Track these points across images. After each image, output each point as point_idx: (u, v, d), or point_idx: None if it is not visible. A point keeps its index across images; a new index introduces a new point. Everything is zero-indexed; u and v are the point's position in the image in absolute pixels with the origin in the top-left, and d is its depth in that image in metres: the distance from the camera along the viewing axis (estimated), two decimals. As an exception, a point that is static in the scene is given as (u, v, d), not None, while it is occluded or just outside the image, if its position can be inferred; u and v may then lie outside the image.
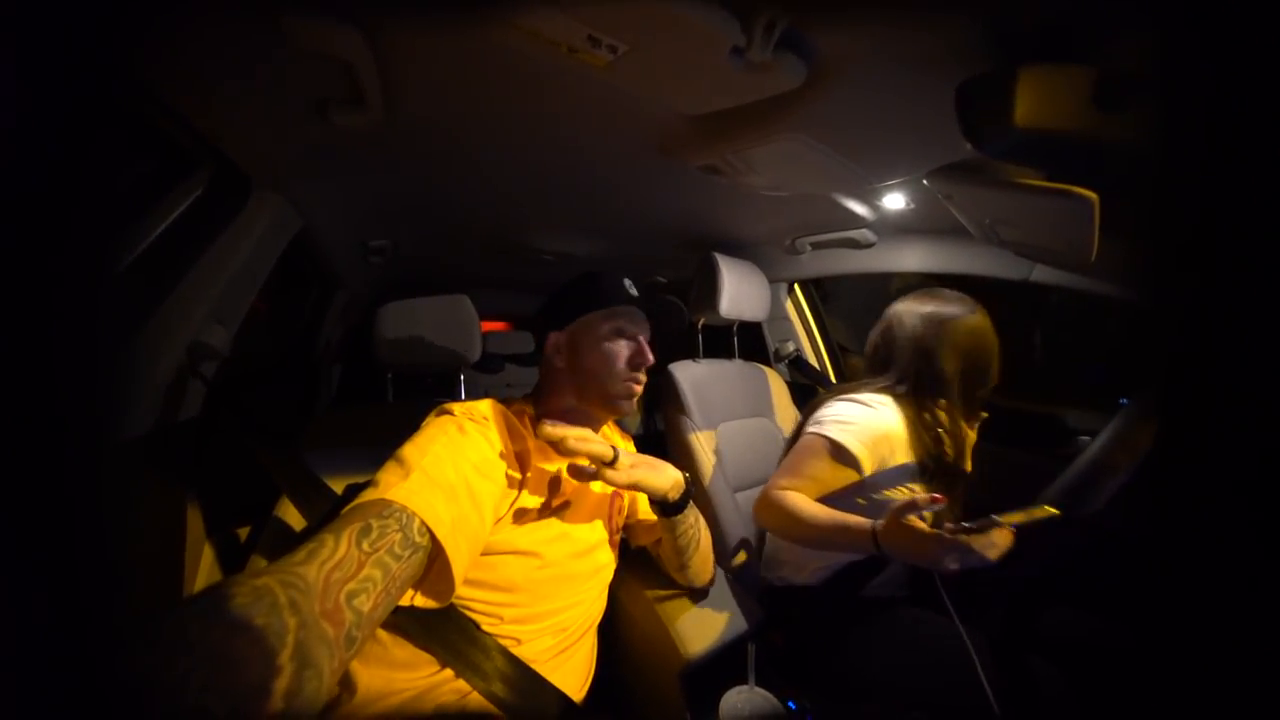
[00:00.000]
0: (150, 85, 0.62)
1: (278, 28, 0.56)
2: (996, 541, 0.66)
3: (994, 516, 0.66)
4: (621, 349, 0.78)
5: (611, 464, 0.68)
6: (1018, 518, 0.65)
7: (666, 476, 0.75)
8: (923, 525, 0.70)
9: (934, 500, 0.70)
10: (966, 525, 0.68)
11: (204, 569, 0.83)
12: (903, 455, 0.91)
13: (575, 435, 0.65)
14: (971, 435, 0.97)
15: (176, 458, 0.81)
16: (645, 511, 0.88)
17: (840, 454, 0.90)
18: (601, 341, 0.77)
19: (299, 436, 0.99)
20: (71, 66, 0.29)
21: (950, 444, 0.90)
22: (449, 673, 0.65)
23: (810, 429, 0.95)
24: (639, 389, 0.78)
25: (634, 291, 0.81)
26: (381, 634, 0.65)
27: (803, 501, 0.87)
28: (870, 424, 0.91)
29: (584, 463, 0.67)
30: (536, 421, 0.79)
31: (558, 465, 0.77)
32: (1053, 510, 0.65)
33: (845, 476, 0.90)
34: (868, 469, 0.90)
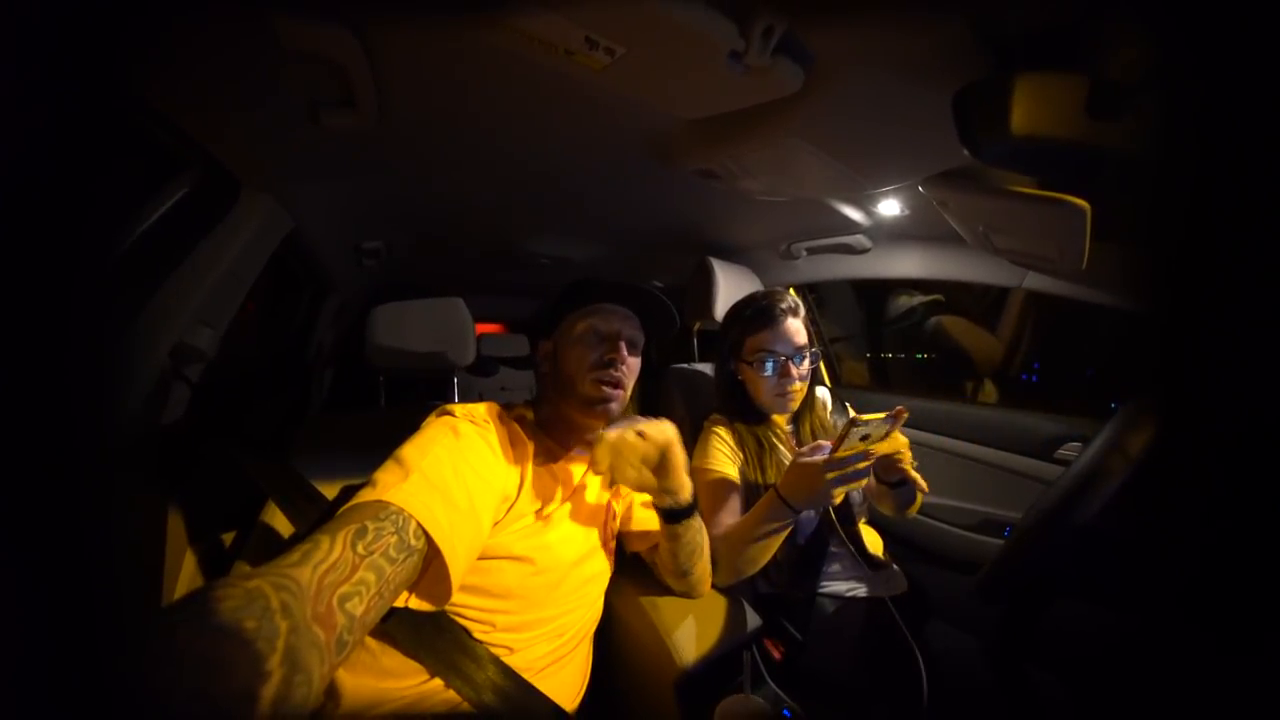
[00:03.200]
0: (136, 85, 0.61)
1: (268, 28, 0.55)
2: (863, 449, 0.72)
3: (854, 417, 0.72)
4: (590, 347, 0.75)
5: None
6: (868, 416, 0.71)
7: (686, 473, 0.75)
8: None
9: (816, 447, 0.75)
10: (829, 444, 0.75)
11: (185, 576, 0.81)
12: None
13: (598, 461, 0.67)
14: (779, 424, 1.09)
15: (158, 461, 0.80)
16: (640, 518, 0.87)
17: (711, 472, 0.98)
18: (574, 342, 0.76)
19: (289, 441, 0.97)
20: (61, 67, 0.29)
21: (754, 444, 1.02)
22: (439, 682, 0.63)
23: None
24: (612, 390, 0.74)
25: (613, 284, 0.78)
26: (370, 641, 0.64)
27: (724, 531, 0.90)
28: (716, 441, 1.02)
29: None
30: (534, 428, 0.79)
31: (555, 471, 0.77)
32: (901, 409, 0.72)
33: (730, 485, 0.97)
34: (737, 463, 1.00)
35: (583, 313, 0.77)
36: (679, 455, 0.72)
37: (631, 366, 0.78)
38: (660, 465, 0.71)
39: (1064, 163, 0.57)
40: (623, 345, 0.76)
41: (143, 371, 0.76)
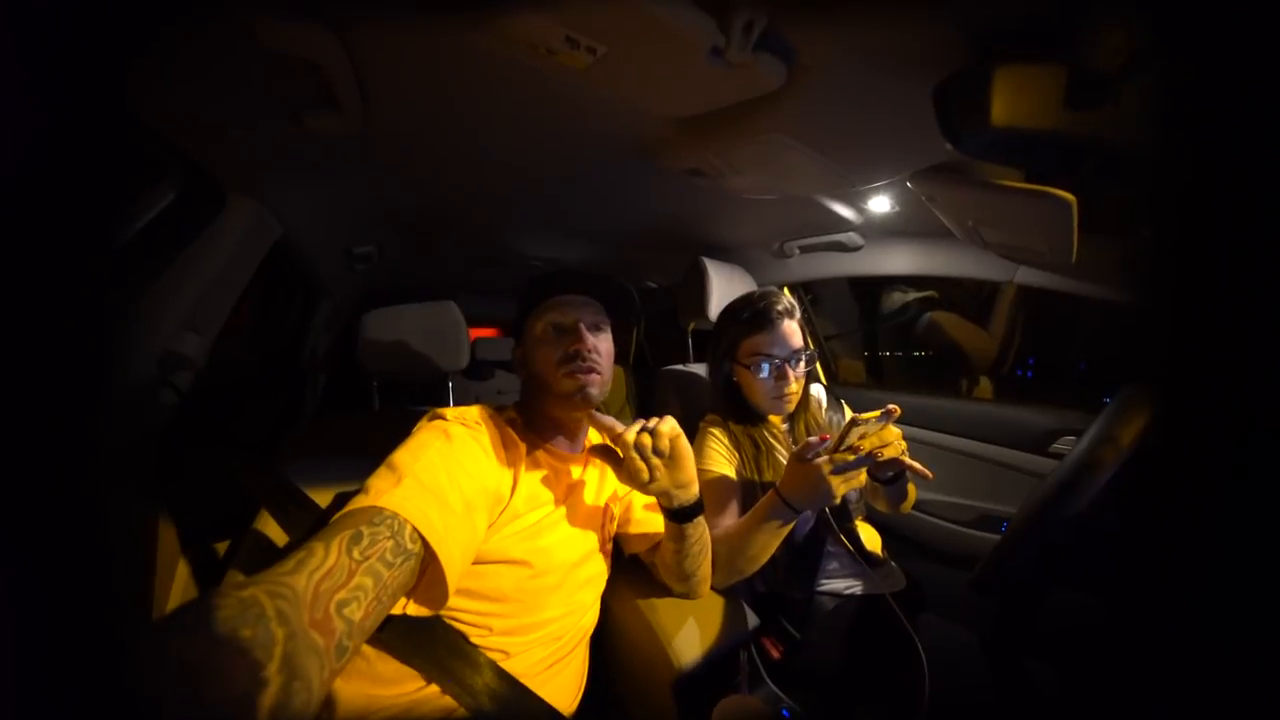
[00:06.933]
0: (116, 89, 0.60)
1: (247, 29, 0.55)
2: (859, 444, 0.75)
3: (855, 416, 0.75)
4: (554, 343, 0.75)
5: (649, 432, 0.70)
6: (866, 415, 0.75)
7: (694, 467, 0.74)
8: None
9: (822, 439, 0.77)
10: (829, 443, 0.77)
11: (178, 585, 0.80)
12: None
13: (637, 471, 0.69)
14: (776, 428, 1.08)
15: (148, 470, 0.79)
16: (640, 519, 0.86)
17: (708, 472, 0.97)
18: (539, 342, 0.76)
19: (282, 447, 0.96)
20: (41, 71, 0.28)
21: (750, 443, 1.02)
22: (434, 689, 0.63)
23: None
24: (586, 378, 0.73)
25: (561, 274, 0.77)
26: (365, 648, 0.63)
27: (723, 531, 0.90)
28: (712, 442, 1.02)
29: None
30: (524, 430, 0.78)
31: (550, 472, 0.76)
32: (894, 407, 0.74)
33: (728, 485, 0.96)
34: (733, 463, 0.99)
35: (540, 310, 0.77)
36: (686, 446, 0.71)
37: (602, 350, 0.76)
38: (670, 459, 0.70)
39: (1046, 154, 0.57)
40: (585, 332, 0.74)
41: (129, 379, 0.75)
